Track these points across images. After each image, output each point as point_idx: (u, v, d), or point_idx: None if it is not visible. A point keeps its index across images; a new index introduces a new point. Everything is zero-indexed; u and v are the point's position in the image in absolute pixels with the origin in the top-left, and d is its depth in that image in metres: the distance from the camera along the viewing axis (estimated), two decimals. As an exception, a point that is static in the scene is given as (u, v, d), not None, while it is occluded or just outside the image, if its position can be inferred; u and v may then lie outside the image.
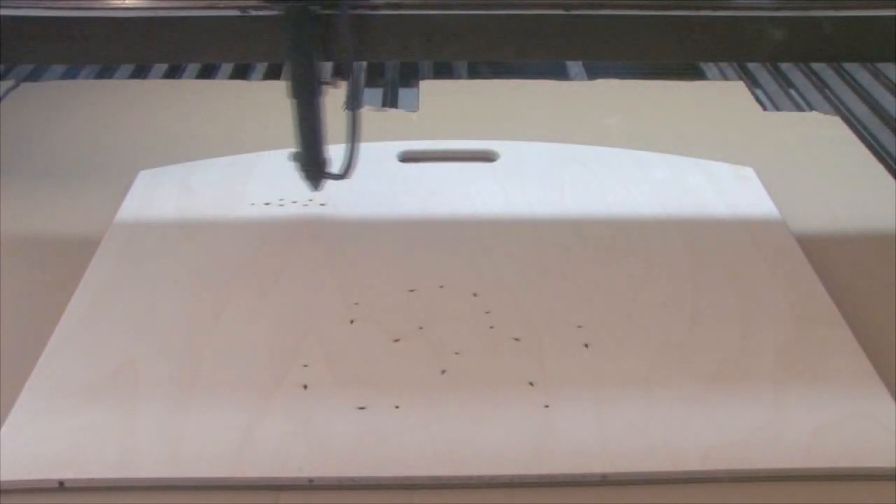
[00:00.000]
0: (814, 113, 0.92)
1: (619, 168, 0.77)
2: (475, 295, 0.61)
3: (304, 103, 0.62)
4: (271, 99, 0.94)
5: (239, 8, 0.58)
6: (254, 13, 0.58)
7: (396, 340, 0.57)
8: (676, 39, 0.60)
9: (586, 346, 0.56)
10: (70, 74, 1.02)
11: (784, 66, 1.06)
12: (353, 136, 0.63)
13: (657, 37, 0.60)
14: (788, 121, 0.91)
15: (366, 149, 0.78)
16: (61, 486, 0.47)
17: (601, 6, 0.59)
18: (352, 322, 0.58)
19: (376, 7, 0.59)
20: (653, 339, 0.57)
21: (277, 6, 0.57)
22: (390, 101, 0.98)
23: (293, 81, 0.61)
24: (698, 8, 0.59)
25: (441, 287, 0.62)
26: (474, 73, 1.08)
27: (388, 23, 0.59)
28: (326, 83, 0.61)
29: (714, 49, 0.62)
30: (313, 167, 0.66)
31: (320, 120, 0.63)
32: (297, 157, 0.65)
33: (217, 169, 0.76)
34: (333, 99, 0.64)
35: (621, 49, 0.60)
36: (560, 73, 1.05)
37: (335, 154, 0.66)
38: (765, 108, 0.94)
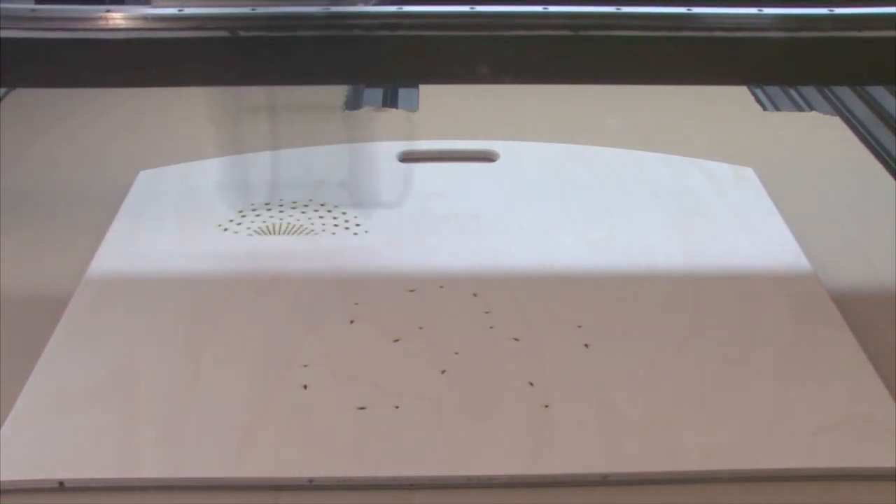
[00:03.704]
0: (814, 113, 0.92)
1: (619, 168, 0.77)
2: (475, 295, 0.61)
3: None
4: (271, 100, 0.94)
5: (228, 29, 0.57)
6: (243, 34, 0.57)
7: (396, 340, 0.57)
8: (687, 61, 0.59)
9: (586, 346, 0.56)
10: (70, 74, 1.02)
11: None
12: None
13: (668, 58, 0.59)
14: (788, 121, 0.91)
15: (366, 149, 0.78)
16: (61, 486, 0.47)
17: (611, 27, 0.57)
18: (352, 322, 0.58)
19: (378, 28, 0.58)
20: (653, 339, 0.57)
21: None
22: (390, 101, 0.98)
23: None
24: (711, 29, 0.58)
25: (441, 287, 0.62)
26: (474, 73, 1.08)
27: (392, 45, 0.58)
28: None
29: (727, 72, 0.60)
30: None
31: None
32: None
33: (216, 169, 0.77)
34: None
35: (631, 71, 0.59)
36: (560, 74, 1.05)
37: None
38: (765, 108, 0.94)
